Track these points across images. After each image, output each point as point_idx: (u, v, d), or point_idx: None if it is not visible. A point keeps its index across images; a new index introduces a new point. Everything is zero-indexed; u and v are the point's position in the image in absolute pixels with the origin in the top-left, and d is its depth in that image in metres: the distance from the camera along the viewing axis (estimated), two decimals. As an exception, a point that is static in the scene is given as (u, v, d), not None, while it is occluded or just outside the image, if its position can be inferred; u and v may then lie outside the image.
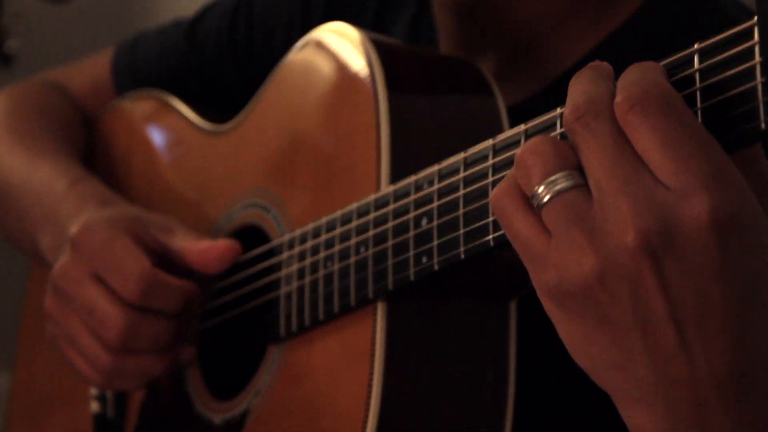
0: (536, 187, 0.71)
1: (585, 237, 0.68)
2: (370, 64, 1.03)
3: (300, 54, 1.12)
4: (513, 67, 1.13)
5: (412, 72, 1.05)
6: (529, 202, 0.72)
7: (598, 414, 1.01)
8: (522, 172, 0.72)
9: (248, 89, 1.26)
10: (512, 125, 1.03)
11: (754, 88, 0.68)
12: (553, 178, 0.70)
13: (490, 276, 0.97)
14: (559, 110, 0.79)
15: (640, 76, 0.70)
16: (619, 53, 1.07)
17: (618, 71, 0.73)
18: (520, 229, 0.72)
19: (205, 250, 1.11)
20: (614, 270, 0.68)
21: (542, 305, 0.74)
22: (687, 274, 0.67)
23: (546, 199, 0.70)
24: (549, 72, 1.11)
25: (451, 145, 1.02)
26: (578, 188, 0.70)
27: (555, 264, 0.70)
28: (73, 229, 1.13)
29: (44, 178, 1.29)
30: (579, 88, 0.72)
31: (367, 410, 0.94)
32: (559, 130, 0.79)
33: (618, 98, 0.69)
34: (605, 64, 0.74)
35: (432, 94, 1.04)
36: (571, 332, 0.71)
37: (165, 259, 1.12)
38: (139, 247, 1.10)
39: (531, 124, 0.82)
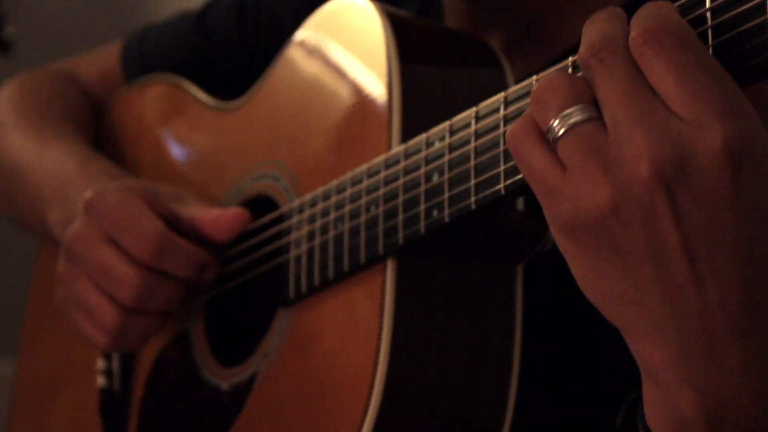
0: (551, 121, 0.72)
1: (599, 168, 0.69)
2: (384, 37, 1.04)
3: (311, 27, 1.14)
4: (521, 44, 1.14)
5: (424, 44, 1.06)
6: (544, 137, 0.73)
7: (603, 377, 1.03)
8: (537, 107, 0.73)
9: (257, 78, 1.28)
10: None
11: (765, 22, 0.70)
12: (568, 111, 0.72)
13: (498, 236, 0.98)
14: (570, 59, 0.81)
15: (655, 12, 0.72)
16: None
17: None
18: (535, 164, 0.73)
19: (215, 217, 1.13)
20: (628, 200, 0.69)
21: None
22: (700, 205, 0.68)
23: (561, 132, 0.72)
24: (557, 49, 1.13)
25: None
26: (593, 121, 0.71)
27: (569, 196, 0.71)
28: (87, 195, 1.14)
29: (54, 159, 1.31)
30: (594, 27, 0.74)
31: (375, 365, 0.95)
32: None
33: (633, 33, 0.71)
34: (618, 8, 0.76)
35: (444, 66, 1.06)
36: (584, 267, 0.72)
37: (176, 227, 1.13)
38: (152, 210, 1.11)
39: (542, 75, 0.83)
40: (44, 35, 2.62)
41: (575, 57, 0.81)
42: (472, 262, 0.99)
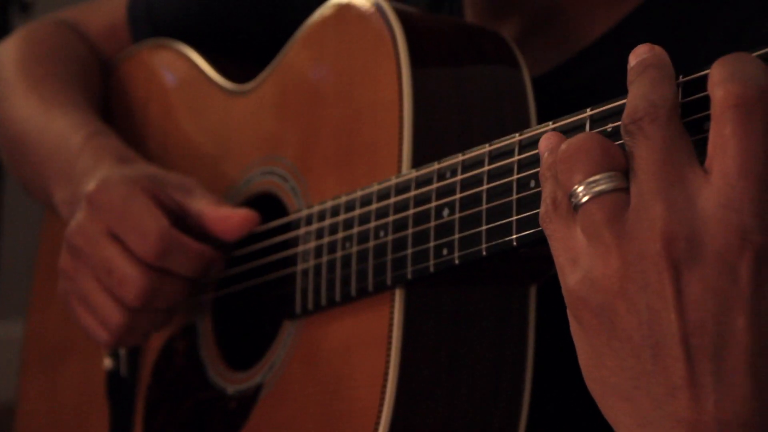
0: (576, 186, 0.68)
1: (614, 239, 0.66)
2: (393, 37, 1.00)
3: (323, 18, 1.10)
4: (537, 37, 1.10)
5: (435, 43, 1.02)
6: (570, 209, 0.69)
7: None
8: (564, 166, 0.69)
9: (269, 43, 1.24)
10: (536, 98, 1.01)
11: None
12: (594, 178, 0.67)
13: (510, 262, 0.95)
14: (589, 111, 0.77)
15: (747, 72, 0.65)
16: (645, 27, 1.05)
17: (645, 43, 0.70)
18: (560, 235, 0.69)
19: (224, 217, 1.10)
20: (635, 275, 0.64)
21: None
22: (708, 294, 0.63)
23: (584, 199, 0.68)
24: (573, 44, 1.09)
25: (475, 119, 1.00)
26: (618, 192, 0.67)
27: (582, 266, 0.67)
28: (90, 186, 1.11)
29: (60, 130, 1.27)
30: (639, 92, 0.68)
31: (382, 398, 0.93)
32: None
33: (720, 92, 0.65)
34: (667, 62, 0.70)
35: (456, 65, 1.02)
36: (587, 351, 0.69)
37: (182, 221, 1.10)
38: (158, 206, 1.08)
39: (559, 123, 0.80)
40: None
41: (593, 109, 0.77)
42: (483, 288, 0.96)
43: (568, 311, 0.70)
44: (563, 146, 0.70)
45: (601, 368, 0.68)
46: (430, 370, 0.94)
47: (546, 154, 0.73)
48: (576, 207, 0.68)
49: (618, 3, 1.06)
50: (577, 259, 0.68)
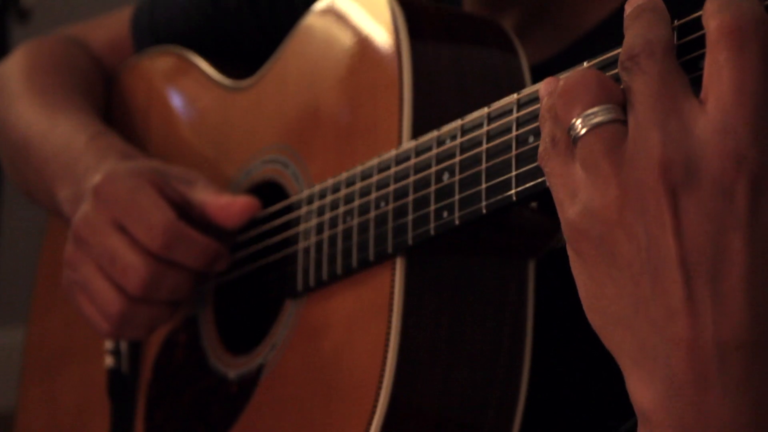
0: (574, 119, 0.69)
1: (612, 169, 0.66)
2: (394, 20, 1.02)
3: (322, 9, 1.12)
4: (535, 26, 1.12)
5: (435, 28, 1.04)
6: (569, 145, 0.70)
7: (616, 381, 1.01)
8: (563, 101, 0.70)
9: (270, 49, 1.26)
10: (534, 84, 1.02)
11: None
12: (592, 110, 0.68)
13: (510, 233, 0.96)
14: (585, 64, 0.79)
15: (740, 2, 0.66)
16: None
17: None
18: (558, 171, 0.70)
19: (225, 205, 1.11)
20: (633, 203, 0.65)
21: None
22: (705, 217, 0.63)
23: (582, 132, 0.68)
24: (571, 32, 1.10)
25: (473, 103, 1.01)
26: (616, 123, 0.68)
27: (581, 198, 0.68)
28: (96, 178, 1.13)
29: (64, 133, 1.29)
30: (635, 32, 0.69)
31: (383, 366, 0.94)
32: None
33: (713, 23, 0.66)
34: (662, 6, 0.71)
35: (455, 50, 1.03)
36: (586, 283, 0.69)
37: (185, 212, 1.11)
38: (164, 198, 1.09)
39: (566, 74, 0.81)
40: (61, 3, 2.59)
41: (589, 62, 0.79)
42: (483, 258, 0.97)
43: (567, 246, 0.71)
44: (561, 83, 0.71)
45: (601, 298, 0.68)
46: (431, 338, 0.95)
47: (546, 98, 0.74)
48: (575, 140, 0.69)
49: None
50: (576, 192, 0.69)
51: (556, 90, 0.72)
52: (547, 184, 0.72)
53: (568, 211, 0.69)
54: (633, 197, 0.65)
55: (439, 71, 1.01)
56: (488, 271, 0.97)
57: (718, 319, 0.63)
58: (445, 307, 0.95)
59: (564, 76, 0.72)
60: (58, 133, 1.30)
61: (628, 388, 0.69)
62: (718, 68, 0.66)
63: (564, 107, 0.70)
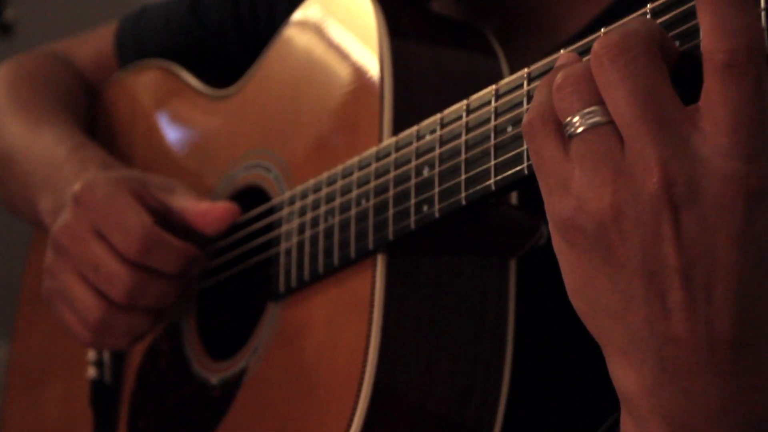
0: (572, 116, 0.69)
1: (611, 174, 0.67)
2: (374, 22, 1.02)
3: (303, 14, 1.12)
4: (517, 31, 1.12)
5: (416, 30, 1.04)
6: (560, 128, 0.70)
7: (598, 376, 1.00)
8: (561, 95, 0.70)
9: (251, 64, 1.26)
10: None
11: None
12: (591, 109, 0.69)
13: (490, 231, 0.96)
14: (563, 51, 0.78)
15: (743, 25, 0.66)
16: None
17: None
18: (547, 155, 0.70)
19: (205, 211, 1.11)
20: (631, 211, 0.67)
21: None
22: (706, 231, 0.66)
23: (580, 129, 0.69)
24: (552, 39, 1.11)
25: (453, 100, 1.01)
26: (613, 124, 0.69)
27: (575, 194, 0.68)
28: (76, 187, 1.12)
29: (46, 145, 1.29)
30: (615, 30, 0.70)
31: (364, 363, 0.93)
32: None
33: (712, 45, 0.66)
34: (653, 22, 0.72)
35: (436, 53, 1.04)
36: (575, 271, 0.70)
37: (166, 219, 1.11)
38: (141, 204, 1.09)
39: (534, 67, 0.81)
40: (44, 18, 2.60)
41: (567, 49, 0.78)
42: (463, 257, 0.96)
43: (554, 232, 0.71)
44: (561, 74, 0.71)
45: (591, 289, 0.69)
46: (412, 335, 0.94)
47: (560, 72, 0.72)
48: (571, 135, 0.70)
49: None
50: (568, 186, 0.69)
51: (570, 71, 0.71)
52: (530, 159, 0.72)
53: (560, 202, 0.70)
54: (630, 207, 0.67)
55: (419, 73, 1.01)
56: (469, 270, 0.96)
57: (711, 318, 0.66)
58: (426, 303, 0.95)
59: (584, 60, 0.71)
60: (41, 145, 1.30)
61: (612, 373, 0.70)
62: (716, 93, 0.67)
63: (562, 101, 0.70)
